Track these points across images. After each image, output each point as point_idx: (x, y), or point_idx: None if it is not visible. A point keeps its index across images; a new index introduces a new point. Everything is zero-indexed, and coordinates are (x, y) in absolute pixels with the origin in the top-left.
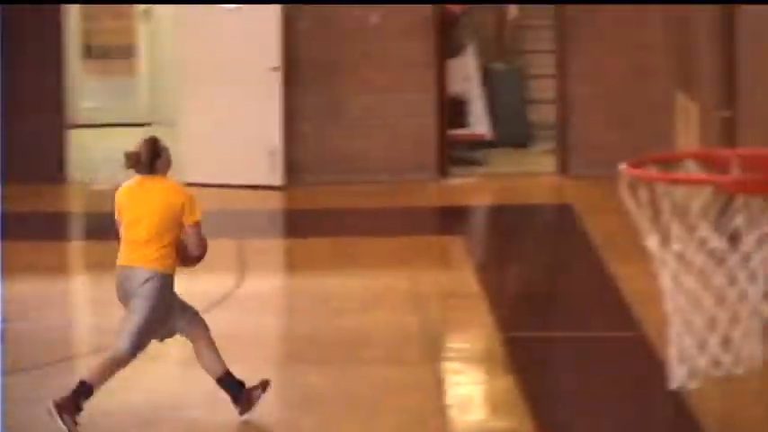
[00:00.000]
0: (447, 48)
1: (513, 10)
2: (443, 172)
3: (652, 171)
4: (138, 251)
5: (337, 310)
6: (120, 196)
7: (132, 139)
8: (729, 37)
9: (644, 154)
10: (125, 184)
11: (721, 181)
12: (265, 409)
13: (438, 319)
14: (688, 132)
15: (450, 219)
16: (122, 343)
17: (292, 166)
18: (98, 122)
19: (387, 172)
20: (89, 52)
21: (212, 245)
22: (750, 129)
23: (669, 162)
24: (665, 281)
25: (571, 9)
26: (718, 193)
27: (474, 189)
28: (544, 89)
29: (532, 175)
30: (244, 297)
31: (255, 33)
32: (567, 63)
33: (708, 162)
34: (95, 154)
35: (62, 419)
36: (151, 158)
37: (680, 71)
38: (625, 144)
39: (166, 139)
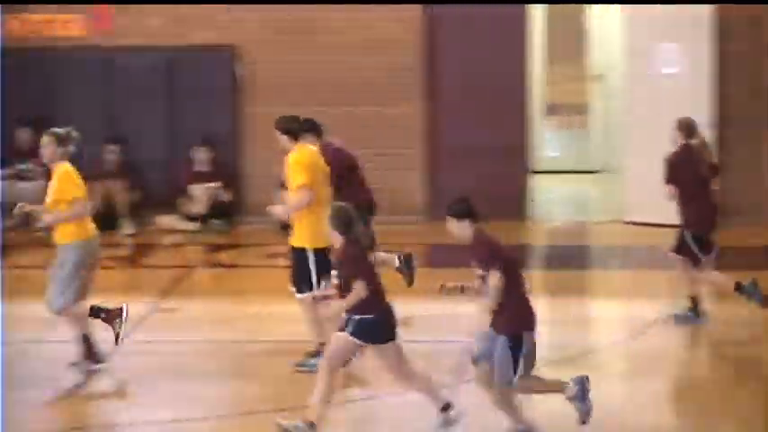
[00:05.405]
0: None
1: None
2: None
3: None
4: None
5: None
6: None
7: (585, 184)
8: None
9: None
10: None
11: None
12: None
13: None
14: None
15: None
16: None
17: (724, 209)
18: (556, 169)
19: None
20: (550, 109)
21: (646, 276)
22: None
23: None
24: None
25: None
26: None
27: None
28: None
29: None
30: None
31: (688, 95)
32: None
33: None
34: (552, 196)
35: None
36: None
37: None
38: None
39: (613, 184)
